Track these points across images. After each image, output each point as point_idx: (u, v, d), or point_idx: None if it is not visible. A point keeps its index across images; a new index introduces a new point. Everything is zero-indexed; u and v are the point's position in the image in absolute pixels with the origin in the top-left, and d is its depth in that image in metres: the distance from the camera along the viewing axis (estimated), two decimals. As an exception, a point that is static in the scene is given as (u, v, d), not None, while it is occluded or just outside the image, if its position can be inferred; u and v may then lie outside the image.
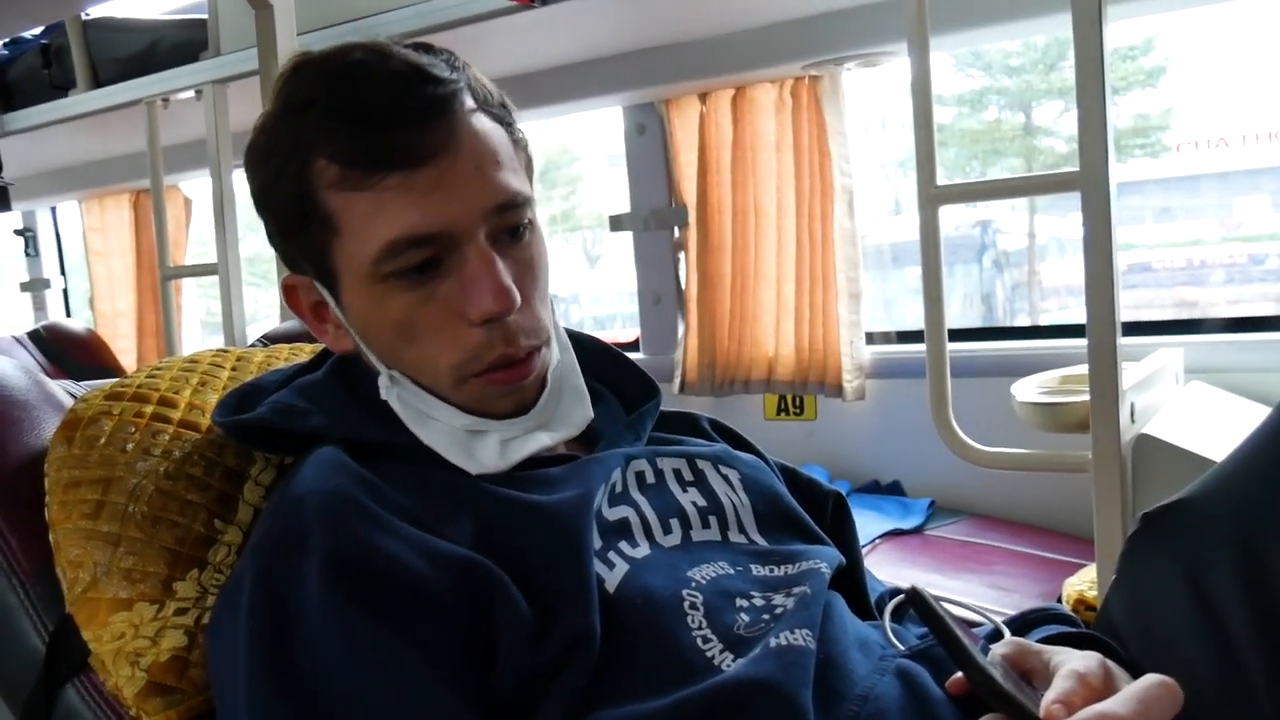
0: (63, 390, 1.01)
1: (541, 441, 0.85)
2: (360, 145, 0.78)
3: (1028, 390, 2.02)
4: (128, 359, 4.17)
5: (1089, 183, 1.62)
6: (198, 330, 4.41)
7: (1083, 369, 1.80)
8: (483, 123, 0.82)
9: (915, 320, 3.43)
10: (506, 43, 2.40)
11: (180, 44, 2.71)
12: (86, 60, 2.87)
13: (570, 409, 0.88)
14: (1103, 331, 1.62)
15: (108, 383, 0.97)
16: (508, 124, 0.86)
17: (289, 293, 0.89)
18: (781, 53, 2.54)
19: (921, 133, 1.78)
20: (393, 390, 0.85)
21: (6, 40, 3.03)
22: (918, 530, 2.50)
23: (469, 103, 0.82)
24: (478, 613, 0.72)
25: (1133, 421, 1.71)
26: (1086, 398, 1.66)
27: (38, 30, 3.01)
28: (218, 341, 4.28)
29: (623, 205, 3.12)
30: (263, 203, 0.86)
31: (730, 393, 2.87)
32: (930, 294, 1.80)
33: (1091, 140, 1.61)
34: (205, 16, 2.61)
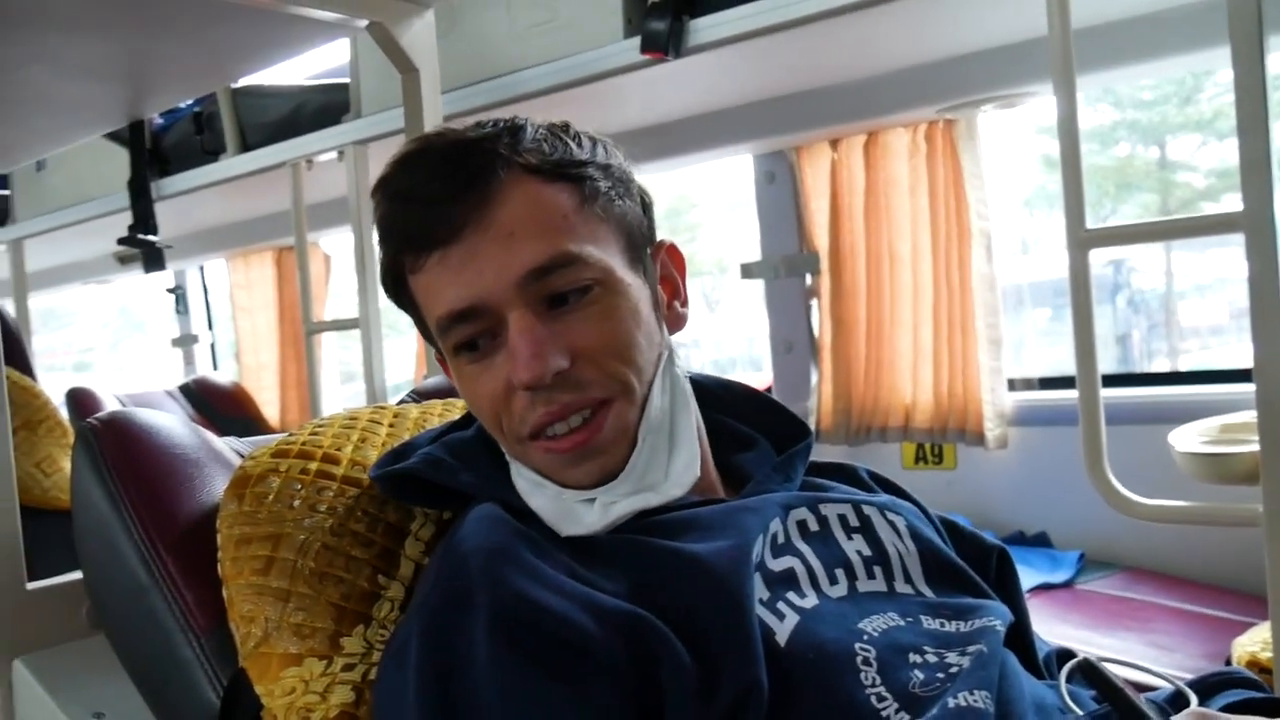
0: (229, 448, 1.04)
1: (649, 502, 0.82)
2: (406, 228, 0.82)
3: (1188, 440, 1.92)
4: (270, 410, 4.32)
5: (1253, 223, 1.54)
6: (335, 381, 4.54)
7: (1245, 416, 1.71)
8: (529, 189, 0.80)
9: (1045, 364, 3.32)
10: (640, 95, 2.43)
11: (322, 108, 2.82)
12: (235, 126, 3.00)
13: (677, 465, 0.84)
14: (1273, 377, 1.53)
15: (273, 440, 0.99)
16: (579, 179, 0.83)
17: (443, 364, 0.90)
18: (916, 97, 2.51)
19: (1070, 174, 1.72)
20: (509, 457, 0.87)
21: (163, 110, 3.19)
22: (1068, 584, 2.41)
23: (512, 172, 0.80)
24: (644, 669, 0.70)
25: (1306, 472, 1.62)
26: (1254, 448, 1.58)
27: (191, 100, 3.16)
28: (354, 390, 4.41)
29: (744, 250, 3.12)
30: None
31: (866, 441, 2.82)
32: (1081, 340, 1.74)
33: (1255, 178, 1.54)
34: (346, 81, 2.72)
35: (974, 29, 2.24)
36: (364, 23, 1.56)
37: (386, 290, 0.88)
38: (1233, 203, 1.56)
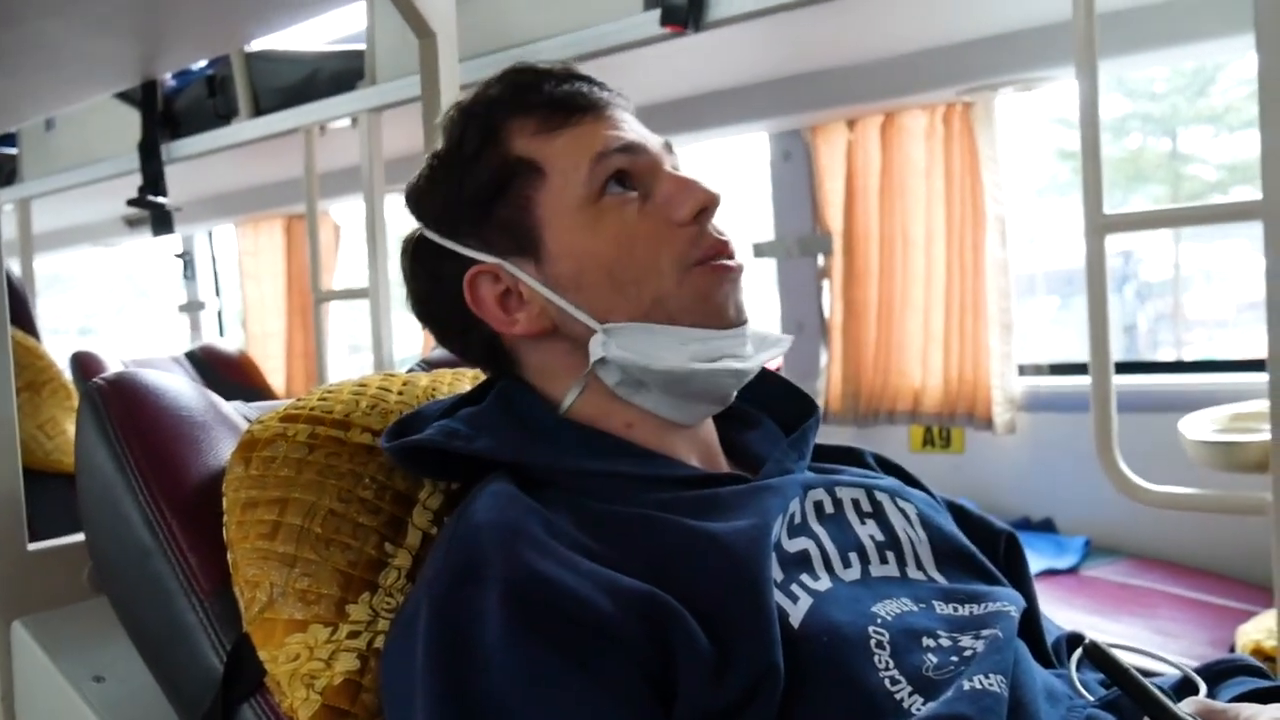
0: (236, 412, 1.02)
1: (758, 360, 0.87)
2: (555, 96, 0.87)
3: (1199, 428, 1.91)
4: (276, 379, 4.32)
5: (1273, 212, 1.53)
6: (344, 352, 4.54)
7: (1255, 405, 1.71)
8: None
9: (1052, 352, 3.30)
10: (658, 69, 2.41)
11: (338, 73, 2.80)
12: (249, 89, 2.98)
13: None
14: (1286, 367, 1.53)
15: (282, 404, 0.98)
16: None
17: (472, 288, 0.88)
18: (935, 78, 2.49)
19: (1089, 159, 1.71)
20: (610, 343, 0.84)
21: (175, 72, 3.17)
22: (1073, 570, 2.40)
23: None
24: (658, 648, 0.69)
25: (1317, 463, 1.61)
26: (1265, 436, 1.57)
27: (204, 62, 3.13)
28: (361, 361, 4.40)
29: (752, 232, 3.10)
30: (459, 187, 0.89)
31: (875, 423, 2.81)
32: (1096, 325, 1.73)
33: (1276, 167, 1.53)
34: (362, 47, 2.69)
35: (995, 11, 2.22)
36: (381, -15, 1.54)
37: (471, 187, 0.88)
38: (1243, 195, 1.55)
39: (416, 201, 0.92)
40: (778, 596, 0.74)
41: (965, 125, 2.62)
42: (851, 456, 0.99)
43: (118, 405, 0.93)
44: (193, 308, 4.90)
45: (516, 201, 0.86)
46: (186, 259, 4.86)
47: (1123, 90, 4.86)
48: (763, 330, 0.91)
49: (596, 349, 0.84)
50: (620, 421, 0.86)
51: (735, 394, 0.88)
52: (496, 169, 0.86)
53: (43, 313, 3.37)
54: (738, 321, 0.85)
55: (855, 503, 0.87)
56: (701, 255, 0.84)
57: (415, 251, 0.92)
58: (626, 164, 0.85)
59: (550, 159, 0.85)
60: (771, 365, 1.00)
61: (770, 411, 0.97)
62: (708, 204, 0.85)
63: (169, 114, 3.23)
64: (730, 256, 0.86)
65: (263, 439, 0.90)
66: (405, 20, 1.56)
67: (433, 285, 0.91)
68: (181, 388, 0.99)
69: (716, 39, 2.10)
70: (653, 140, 0.88)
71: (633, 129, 0.88)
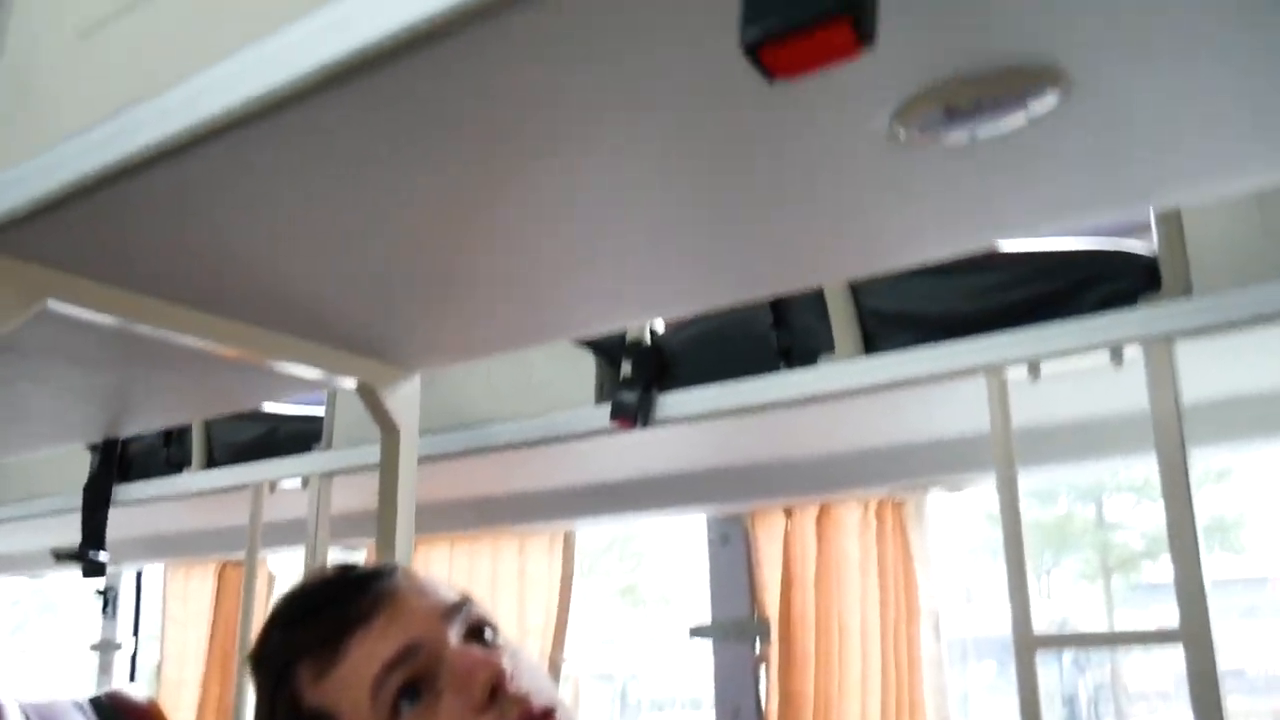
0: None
1: None
2: (316, 633, 0.86)
3: None
4: (186, 730, 4.09)
5: (1192, 638, 1.60)
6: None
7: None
8: (416, 581, 0.90)
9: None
10: (604, 456, 2.52)
11: (294, 435, 2.88)
12: (204, 444, 3.05)
13: None
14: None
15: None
16: None
17: None
18: (866, 477, 2.61)
19: (1015, 577, 1.79)
20: None
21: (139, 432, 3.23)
22: None
23: (403, 577, 0.90)
24: None
25: None
26: None
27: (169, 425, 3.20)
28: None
29: (687, 579, 3.12)
30: None
31: (814, 826, 2.71)
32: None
33: (1190, 595, 1.61)
34: (322, 412, 2.79)
35: (923, 422, 2.38)
36: (352, 384, 1.64)
37: (268, 715, 0.87)
38: (1167, 563, 1.63)
39: None
40: None
41: (898, 521, 2.72)
42: None
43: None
44: (106, 648, 4.69)
45: None
46: (108, 596, 4.71)
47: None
48: None
49: None
50: None
51: None
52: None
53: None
54: None
55: None
56: None
57: None
58: (405, 676, 0.83)
59: (337, 703, 0.84)
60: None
61: None
62: (496, 682, 0.81)
63: (121, 458, 3.27)
64: (538, 716, 0.82)
65: None
66: (373, 418, 1.65)
67: None
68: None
69: (662, 432, 2.22)
70: (430, 618, 0.85)
71: (404, 623, 0.85)
